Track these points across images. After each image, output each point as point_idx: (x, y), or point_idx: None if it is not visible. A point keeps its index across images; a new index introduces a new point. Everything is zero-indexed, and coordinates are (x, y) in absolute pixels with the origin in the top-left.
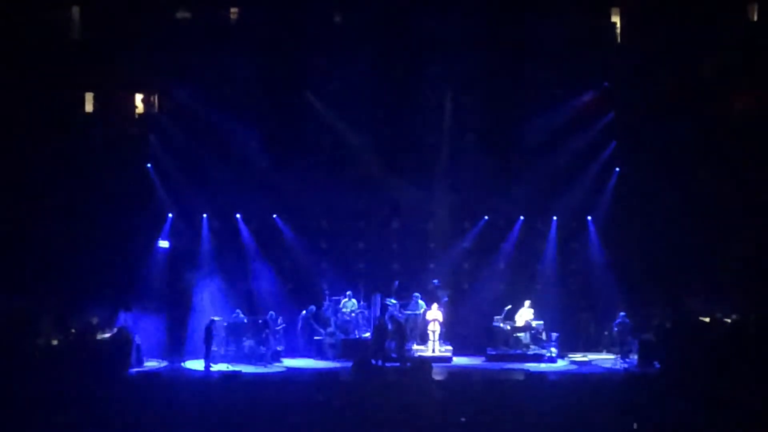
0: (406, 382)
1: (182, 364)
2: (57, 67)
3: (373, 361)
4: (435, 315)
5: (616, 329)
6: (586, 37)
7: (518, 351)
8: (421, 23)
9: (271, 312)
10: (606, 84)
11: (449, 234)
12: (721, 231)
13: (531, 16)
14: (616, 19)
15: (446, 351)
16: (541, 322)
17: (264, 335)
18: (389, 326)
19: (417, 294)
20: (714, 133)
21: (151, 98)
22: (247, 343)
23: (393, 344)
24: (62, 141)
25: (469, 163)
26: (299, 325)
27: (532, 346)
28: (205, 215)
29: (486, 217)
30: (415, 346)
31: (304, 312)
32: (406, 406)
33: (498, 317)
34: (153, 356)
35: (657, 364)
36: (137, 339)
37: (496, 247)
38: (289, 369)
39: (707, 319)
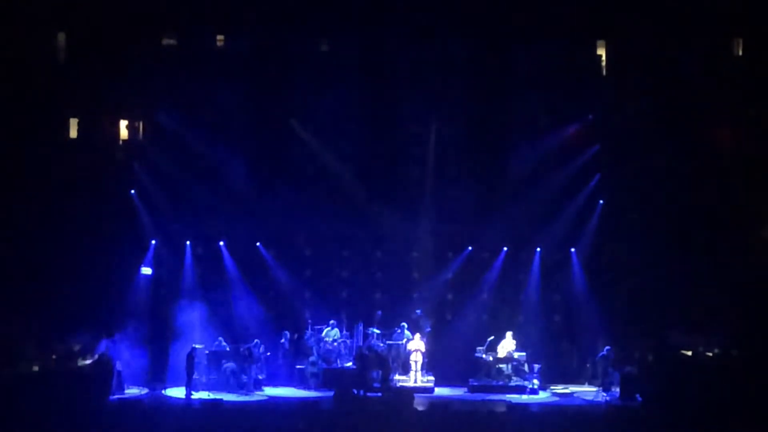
0: (388, 412)
1: (163, 391)
2: (42, 92)
3: (355, 391)
4: (417, 345)
5: (598, 361)
6: (571, 69)
7: (500, 382)
8: (406, 53)
9: (256, 340)
10: (591, 116)
11: (432, 264)
12: (705, 265)
13: (516, 48)
14: (601, 51)
15: (428, 381)
16: (524, 353)
17: (246, 363)
18: (369, 356)
19: (404, 324)
20: (699, 166)
21: (136, 124)
22: (228, 366)
23: (377, 374)
24: (46, 166)
25: (453, 193)
26: (280, 353)
27: (514, 378)
28: (188, 242)
29: (470, 248)
30: (397, 376)
31: (283, 340)
32: None
33: (480, 348)
34: (134, 383)
35: (639, 397)
36: (118, 366)
37: (480, 278)
38: (271, 398)
39: (689, 353)
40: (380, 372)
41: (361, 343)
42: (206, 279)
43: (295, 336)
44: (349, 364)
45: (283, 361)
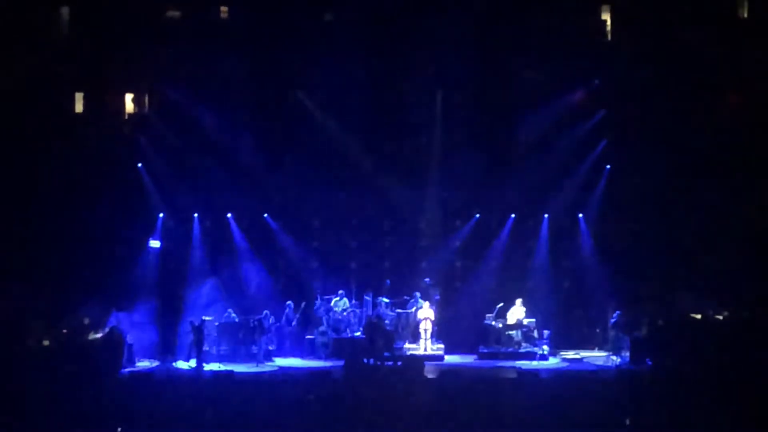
0: (398, 380)
1: (174, 364)
2: (46, 67)
3: (365, 360)
4: (427, 313)
5: (614, 327)
6: (577, 35)
7: (510, 349)
8: (411, 22)
9: (265, 311)
10: (597, 82)
11: (441, 232)
12: (713, 228)
13: (521, 15)
14: (606, 16)
15: (438, 349)
16: (533, 319)
17: (256, 335)
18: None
19: (417, 293)
20: (706, 130)
21: (142, 98)
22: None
23: (382, 343)
24: (52, 141)
25: (460, 161)
26: (284, 323)
27: (524, 344)
28: (196, 215)
29: (477, 216)
30: (406, 345)
31: (287, 311)
32: (398, 404)
33: (490, 315)
34: (145, 356)
35: (649, 362)
36: (129, 339)
37: (488, 246)
38: (281, 368)
39: (699, 316)
40: (382, 341)
41: (370, 313)
42: (214, 251)
43: (303, 304)
44: (359, 333)
45: (288, 330)
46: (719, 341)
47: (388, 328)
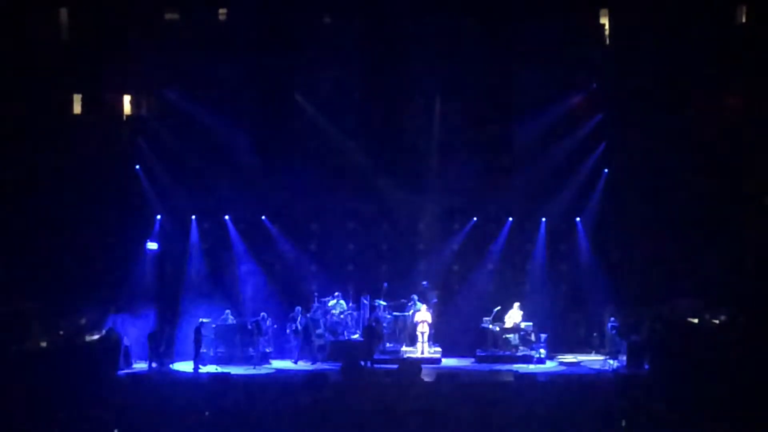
0: (395, 383)
1: (171, 365)
2: (45, 68)
3: (362, 363)
4: (424, 316)
5: (612, 331)
6: (575, 39)
7: (507, 352)
8: (409, 25)
9: (262, 313)
10: (594, 85)
11: (438, 235)
12: (710, 232)
13: (519, 17)
14: (604, 20)
15: (435, 352)
16: (530, 323)
17: (254, 337)
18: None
19: (415, 296)
20: (703, 134)
21: (140, 100)
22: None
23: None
24: (50, 143)
25: (458, 164)
26: (290, 329)
27: (521, 348)
28: (193, 217)
29: (475, 219)
30: (404, 348)
31: (298, 317)
32: (395, 407)
33: (487, 318)
34: (142, 358)
35: (646, 365)
36: (126, 341)
37: (485, 249)
38: (278, 370)
39: (696, 320)
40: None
41: (368, 316)
42: (212, 253)
43: (308, 314)
44: (356, 336)
45: (294, 336)
46: (716, 345)
47: (385, 331)
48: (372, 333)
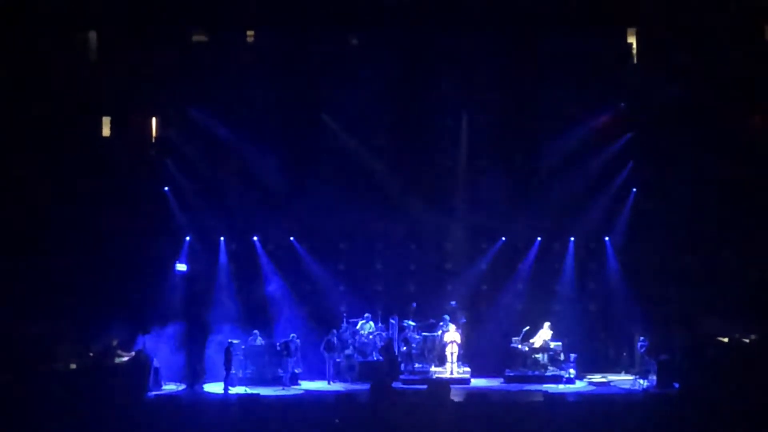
0: (425, 404)
1: (201, 387)
2: (74, 91)
3: (392, 384)
4: (453, 336)
5: (642, 350)
6: (603, 58)
7: (537, 372)
8: (436, 44)
9: (292, 334)
10: (622, 104)
11: (467, 255)
12: (740, 250)
13: (547, 37)
14: (632, 39)
15: (464, 372)
16: (560, 342)
17: (282, 358)
18: (399, 347)
19: (446, 316)
20: (733, 153)
21: (168, 121)
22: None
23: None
24: (80, 165)
25: (486, 184)
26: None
27: (550, 368)
28: (222, 238)
29: (503, 238)
30: (433, 368)
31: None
32: (425, 428)
33: (516, 338)
34: (171, 379)
35: (676, 385)
36: (155, 362)
37: (514, 268)
38: (308, 391)
39: (726, 340)
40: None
41: (396, 336)
42: (240, 274)
43: (336, 332)
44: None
45: (328, 355)
46: (746, 365)
47: (414, 351)
48: (389, 352)
